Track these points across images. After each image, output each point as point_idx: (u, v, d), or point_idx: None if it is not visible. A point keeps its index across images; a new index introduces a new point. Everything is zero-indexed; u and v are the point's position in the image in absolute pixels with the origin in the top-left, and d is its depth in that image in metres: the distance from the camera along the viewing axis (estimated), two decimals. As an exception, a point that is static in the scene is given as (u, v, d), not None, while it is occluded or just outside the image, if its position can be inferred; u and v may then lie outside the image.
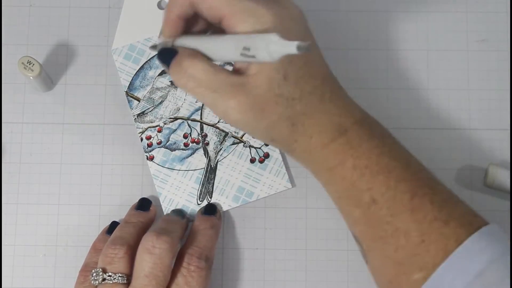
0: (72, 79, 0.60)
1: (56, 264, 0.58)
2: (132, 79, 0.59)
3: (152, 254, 0.50)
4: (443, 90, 0.60)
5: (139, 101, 0.59)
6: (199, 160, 0.59)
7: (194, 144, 0.59)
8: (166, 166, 0.58)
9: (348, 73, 0.60)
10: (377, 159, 0.48)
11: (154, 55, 0.59)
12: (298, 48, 0.41)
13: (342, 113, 0.49)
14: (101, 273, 0.51)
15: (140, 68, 0.59)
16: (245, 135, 0.59)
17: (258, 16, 0.46)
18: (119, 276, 0.51)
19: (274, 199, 0.59)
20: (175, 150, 0.59)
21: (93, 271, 0.51)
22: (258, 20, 0.46)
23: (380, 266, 0.49)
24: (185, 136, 0.59)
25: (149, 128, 0.59)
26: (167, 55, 0.49)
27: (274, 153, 0.59)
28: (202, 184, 0.58)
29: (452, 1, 0.62)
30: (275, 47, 0.42)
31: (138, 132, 0.59)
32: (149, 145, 0.59)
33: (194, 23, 0.50)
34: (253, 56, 0.44)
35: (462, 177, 0.59)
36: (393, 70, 0.61)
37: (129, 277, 0.51)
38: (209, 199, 0.58)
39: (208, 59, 0.48)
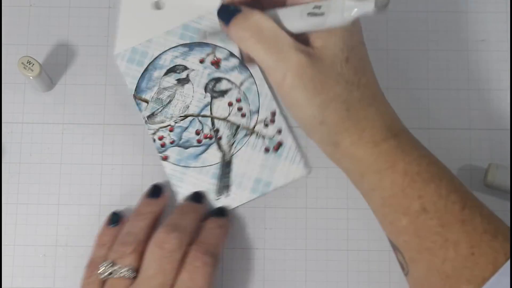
0: (72, 79, 0.60)
1: (56, 264, 0.58)
2: (138, 82, 0.59)
3: (162, 249, 0.50)
4: (443, 90, 0.60)
5: (147, 102, 0.59)
6: (213, 155, 0.59)
7: (207, 139, 0.59)
8: (181, 165, 0.58)
9: (348, 73, 0.60)
10: (427, 167, 0.47)
11: (157, 56, 0.59)
12: (377, 3, 0.39)
13: (392, 118, 0.48)
14: (109, 266, 0.51)
15: (144, 70, 0.59)
16: (256, 126, 0.59)
17: None
18: (127, 270, 0.51)
19: (274, 199, 0.59)
20: (188, 148, 0.59)
21: (101, 265, 0.51)
22: None
23: (424, 278, 0.47)
24: (197, 133, 0.59)
25: (160, 129, 0.59)
26: (229, 11, 0.48)
27: (288, 140, 0.59)
28: (219, 178, 0.58)
29: (452, 1, 0.62)
30: (350, 3, 0.41)
31: (150, 133, 0.59)
32: (162, 145, 0.59)
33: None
34: (322, 14, 0.42)
35: (462, 177, 0.59)
36: (393, 70, 0.61)
37: (137, 270, 0.51)
38: (228, 193, 0.58)
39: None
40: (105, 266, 0.51)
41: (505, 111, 0.60)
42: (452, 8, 0.62)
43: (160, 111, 0.59)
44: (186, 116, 0.59)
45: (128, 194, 0.59)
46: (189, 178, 0.58)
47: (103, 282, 0.51)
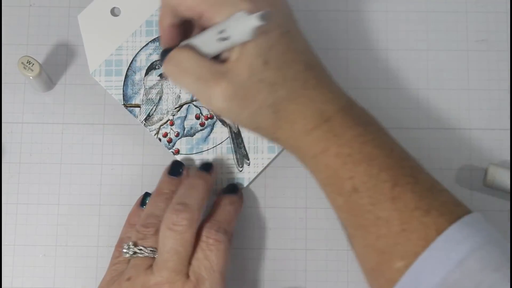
0: (72, 79, 0.60)
1: (56, 264, 0.58)
2: (123, 91, 0.59)
3: (173, 231, 0.51)
4: (443, 90, 0.60)
5: (139, 107, 0.59)
6: (221, 132, 0.59)
7: (209, 120, 0.59)
8: (194, 152, 0.59)
9: (348, 73, 0.60)
10: (360, 148, 0.49)
11: (132, 60, 0.60)
12: (261, 18, 0.43)
13: (326, 100, 0.49)
14: (132, 246, 0.52)
15: (125, 78, 0.60)
16: None
17: (233, 4, 0.47)
18: (150, 250, 0.52)
19: (274, 199, 0.59)
20: (195, 134, 0.59)
21: (125, 245, 0.53)
22: (234, 8, 0.47)
23: (362, 253, 0.50)
24: (197, 117, 0.59)
25: (161, 126, 0.59)
26: (165, 54, 0.51)
27: None
28: (235, 151, 0.59)
29: (452, 1, 0.62)
30: (243, 22, 0.44)
31: (153, 134, 0.59)
32: (169, 141, 0.59)
33: (192, 28, 0.52)
34: (228, 38, 0.46)
35: (462, 177, 0.59)
36: (393, 70, 0.61)
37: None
38: (248, 161, 0.59)
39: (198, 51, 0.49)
40: (129, 246, 0.53)
41: (505, 111, 0.60)
42: (452, 8, 0.62)
43: (154, 110, 0.59)
44: (181, 106, 0.59)
45: (128, 194, 0.59)
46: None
47: (129, 260, 0.53)
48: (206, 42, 0.49)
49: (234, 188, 0.58)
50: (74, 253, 0.58)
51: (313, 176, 0.52)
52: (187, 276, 0.51)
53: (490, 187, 0.57)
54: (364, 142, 0.49)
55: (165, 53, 0.51)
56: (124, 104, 0.59)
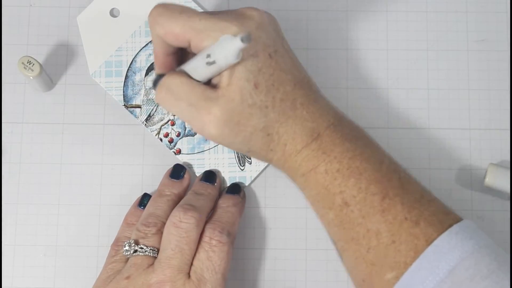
0: (72, 79, 0.60)
1: (56, 264, 0.58)
2: (123, 92, 0.60)
3: (179, 228, 0.51)
4: (443, 90, 0.60)
5: (140, 107, 0.59)
6: None
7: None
8: (196, 152, 0.59)
9: (348, 73, 0.60)
10: (348, 163, 0.50)
11: (132, 61, 0.60)
12: (242, 40, 0.43)
13: (315, 118, 0.50)
14: (133, 244, 0.52)
15: (125, 78, 0.60)
16: None
17: (221, 29, 0.48)
18: (150, 249, 0.52)
19: (274, 199, 0.59)
20: (196, 134, 0.59)
21: (125, 243, 0.53)
22: (221, 33, 0.47)
23: (353, 265, 0.50)
24: None
25: (162, 127, 0.59)
26: (157, 80, 0.52)
27: None
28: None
29: (452, 1, 0.62)
30: (227, 45, 0.44)
31: (154, 134, 0.59)
32: (170, 141, 0.59)
33: (187, 53, 0.52)
34: (215, 62, 0.46)
35: (462, 177, 0.59)
36: (393, 70, 0.61)
37: (159, 250, 0.52)
38: (249, 160, 0.59)
39: (190, 76, 0.50)
40: (130, 244, 0.53)
41: (505, 111, 0.60)
42: (452, 8, 0.62)
43: (155, 111, 0.59)
44: None
45: (128, 194, 0.59)
46: (209, 161, 0.59)
47: (127, 259, 0.53)
48: (196, 67, 0.49)
49: (236, 188, 0.58)
50: (74, 253, 0.58)
51: (303, 193, 0.53)
52: (188, 276, 0.51)
53: (490, 187, 0.57)
54: (352, 157, 0.50)
55: (157, 78, 0.52)
56: (124, 105, 0.59)
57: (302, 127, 0.50)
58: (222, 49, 0.45)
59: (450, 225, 0.48)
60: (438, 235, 0.47)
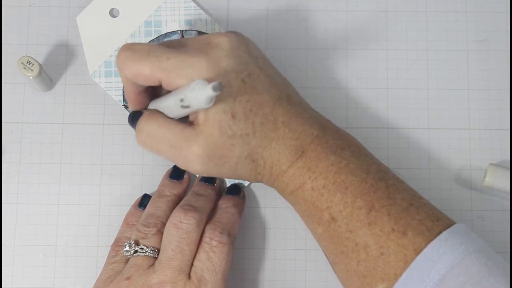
0: (72, 79, 0.60)
1: (56, 264, 0.58)
2: (123, 92, 0.59)
3: (179, 229, 0.52)
4: (443, 90, 0.60)
5: None
6: None
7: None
8: None
9: (347, 73, 0.60)
10: (333, 178, 0.50)
11: None
12: (214, 89, 0.43)
13: (298, 135, 0.50)
14: (134, 245, 0.53)
15: None
16: None
17: (191, 65, 0.48)
18: (151, 250, 0.52)
19: (274, 199, 0.59)
20: None
21: (126, 243, 0.53)
22: (191, 70, 0.48)
23: (345, 278, 0.51)
24: None
25: None
26: (134, 118, 0.52)
27: None
28: None
29: (452, 1, 0.62)
30: (199, 92, 0.44)
31: None
32: None
33: (159, 88, 0.52)
34: (188, 107, 0.47)
35: (462, 177, 0.59)
36: (393, 70, 0.61)
37: (159, 251, 0.53)
38: None
39: (166, 116, 0.51)
40: (130, 245, 0.53)
41: (505, 111, 0.60)
42: (452, 8, 0.61)
43: None
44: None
45: (128, 194, 0.59)
46: None
47: (127, 260, 0.53)
48: (170, 107, 0.49)
49: (236, 189, 0.58)
50: (74, 253, 0.58)
51: (293, 208, 0.53)
52: (189, 276, 0.51)
53: (490, 187, 0.57)
54: (337, 171, 0.50)
55: (133, 117, 0.52)
56: (124, 105, 0.59)
57: (286, 147, 0.50)
58: (194, 95, 0.45)
59: (440, 232, 0.48)
60: (427, 243, 0.47)
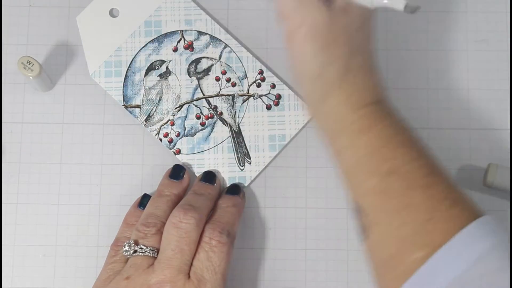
0: (72, 79, 0.60)
1: (55, 264, 0.58)
2: (123, 92, 0.60)
3: (179, 228, 0.52)
4: (443, 90, 0.60)
5: (139, 108, 0.59)
6: (221, 131, 0.59)
7: (209, 119, 0.59)
8: (195, 152, 0.59)
9: (348, 73, 0.60)
10: (401, 132, 0.50)
11: (131, 61, 0.60)
12: (406, 7, 0.44)
13: (379, 85, 0.51)
14: (133, 245, 0.52)
15: (125, 78, 0.60)
16: (250, 89, 0.60)
17: None
18: (150, 250, 0.52)
19: (274, 199, 0.59)
20: (195, 134, 0.59)
21: (125, 243, 0.53)
22: None
23: (381, 241, 0.49)
24: (197, 117, 0.59)
25: (162, 126, 0.59)
26: None
27: (284, 91, 0.60)
28: (236, 150, 0.59)
29: (452, 1, 0.62)
30: None
31: (153, 134, 0.59)
32: (170, 141, 0.59)
33: None
34: None
35: (462, 177, 0.59)
36: (393, 70, 0.61)
37: (158, 250, 0.52)
38: (249, 160, 0.59)
39: None
40: (130, 244, 0.53)
41: (505, 111, 0.60)
42: (452, 8, 0.61)
43: (155, 111, 0.59)
44: (181, 106, 0.60)
45: (128, 194, 0.59)
46: (208, 161, 0.59)
47: (127, 260, 0.53)
48: None
49: (236, 189, 0.58)
50: (74, 253, 0.58)
51: (342, 157, 0.51)
52: (188, 276, 0.51)
53: (490, 187, 0.57)
54: (404, 129, 0.50)
55: None
56: (124, 105, 0.59)
57: (370, 87, 0.50)
58: None
59: (482, 214, 0.47)
60: (473, 220, 0.46)
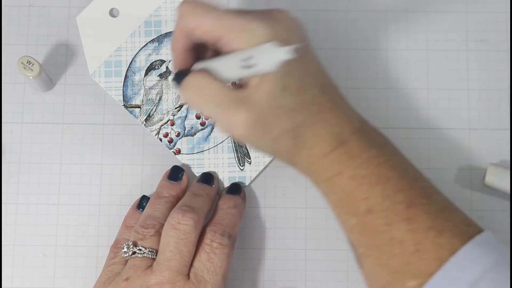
0: (72, 79, 0.60)
1: (55, 264, 0.58)
2: (123, 92, 0.60)
3: (177, 230, 0.52)
4: (443, 90, 0.60)
5: (139, 107, 0.59)
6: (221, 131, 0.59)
7: (210, 119, 0.59)
8: (195, 152, 0.59)
9: (348, 73, 0.60)
10: (375, 169, 0.49)
11: (131, 61, 0.60)
12: (293, 51, 0.43)
13: (342, 123, 0.50)
14: (132, 246, 0.53)
15: (125, 78, 0.60)
16: None
17: (252, 30, 0.47)
18: (149, 251, 0.52)
19: (274, 199, 0.59)
20: (195, 134, 0.59)
21: (124, 245, 0.53)
22: (252, 34, 0.47)
23: (374, 272, 0.50)
24: (197, 117, 0.59)
25: (162, 126, 0.59)
26: (180, 76, 0.51)
27: None
28: (236, 150, 0.59)
29: (452, 1, 0.61)
30: (274, 55, 0.44)
31: (153, 134, 0.59)
32: (170, 141, 0.59)
33: (206, 50, 0.52)
34: (253, 66, 0.46)
35: (462, 177, 0.59)
36: (393, 70, 0.61)
37: (157, 252, 0.52)
38: (249, 160, 0.59)
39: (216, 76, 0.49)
40: (128, 246, 0.53)
41: (505, 111, 0.60)
42: (452, 8, 0.61)
43: (155, 111, 0.59)
44: (181, 106, 0.60)
45: (128, 194, 0.59)
46: (208, 161, 0.59)
47: (126, 261, 0.53)
48: (227, 67, 0.48)
49: (237, 188, 0.58)
50: (74, 253, 0.58)
51: (326, 198, 0.52)
52: (188, 277, 0.51)
53: (490, 187, 0.57)
54: (378, 164, 0.49)
55: (179, 75, 0.51)
56: (124, 105, 0.59)
57: (329, 132, 0.49)
58: (266, 56, 0.45)
59: (473, 236, 0.47)
60: (462, 245, 0.46)
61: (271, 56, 0.45)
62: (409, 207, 0.48)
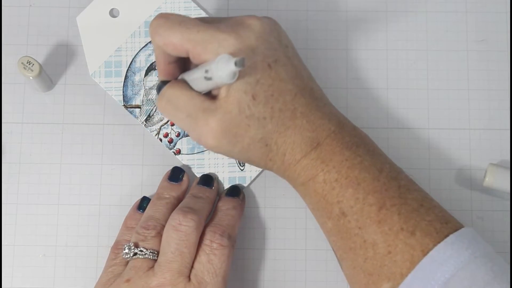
0: (72, 79, 0.60)
1: (55, 264, 0.58)
2: (123, 92, 0.60)
3: (179, 231, 0.52)
4: (443, 90, 0.60)
5: (140, 108, 0.59)
6: None
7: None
8: (195, 152, 0.59)
9: (347, 73, 0.60)
10: (346, 172, 0.50)
11: (131, 61, 0.60)
12: (236, 64, 0.44)
13: (315, 128, 0.50)
14: (133, 247, 0.53)
15: (125, 78, 0.60)
16: None
17: (219, 41, 0.48)
18: (150, 252, 0.52)
19: (274, 199, 0.59)
20: None
21: (125, 246, 0.53)
22: (220, 45, 0.48)
23: (351, 275, 0.51)
24: None
25: (162, 127, 0.59)
26: (160, 88, 0.52)
27: None
28: None
29: (452, 1, 0.62)
30: (226, 66, 0.45)
31: (154, 134, 0.59)
32: (170, 141, 0.59)
33: (190, 62, 0.53)
34: (211, 79, 0.47)
35: (462, 177, 0.59)
36: (393, 70, 0.61)
37: (158, 253, 0.53)
38: None
39: (190, 87, 0.51)
40: (129, 247, 0.53)
41: (505, 111, 0.60)
42: (452, 8, 0.61)
43: (155, 111, 0.59)
44: None
45: (128, 194, 0.59)
46: (208, 161, 0.59)
47: (127, 262, 0.53)
48: (195, 80, 0.50)
49: (236, 191, 0.58)
50: (74, 253, 0.58)
51: (304, 201, 0.53)
52: (189, 279, 0.51)
53: (490, 187, 0.57)
54: (351, 167, 0.50)
55: (159, 87, 0.52)
56: (124, 105, 0.59)
57: (301, 137, 0.50)
58: (218, 68, 0.46)
59: (448, 235, 0.48)
60: (434, 245, 0.47)
61: (224, 68, 0.45)
62: (381, 209, 0.49)
